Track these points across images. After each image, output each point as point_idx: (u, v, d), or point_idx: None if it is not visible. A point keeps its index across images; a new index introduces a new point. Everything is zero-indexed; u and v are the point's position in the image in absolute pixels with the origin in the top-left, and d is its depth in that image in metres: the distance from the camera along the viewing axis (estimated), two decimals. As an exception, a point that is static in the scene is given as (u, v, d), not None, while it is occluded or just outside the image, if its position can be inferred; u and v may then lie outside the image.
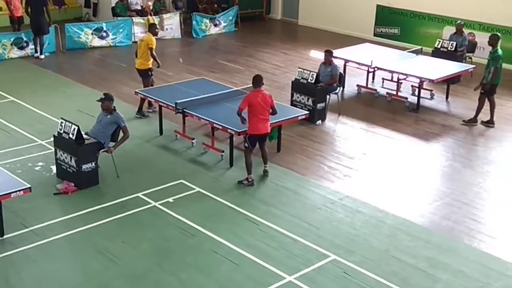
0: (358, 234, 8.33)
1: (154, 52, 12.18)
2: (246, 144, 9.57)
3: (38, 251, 7.72)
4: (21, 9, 16.88)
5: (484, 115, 12.30)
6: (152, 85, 12.30)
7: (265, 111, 9.43)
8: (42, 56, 16.13)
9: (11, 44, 15.98)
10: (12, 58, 15.95)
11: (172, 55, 17.33)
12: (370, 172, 10.28)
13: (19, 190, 7.91)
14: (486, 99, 12.14)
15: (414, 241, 8.20)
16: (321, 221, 8.64)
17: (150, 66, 12.29)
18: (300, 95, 12.22)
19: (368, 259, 7.76)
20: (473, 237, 8.35)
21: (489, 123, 12.21)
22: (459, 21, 15.34)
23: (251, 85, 9.63)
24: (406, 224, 8.61)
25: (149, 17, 18.24)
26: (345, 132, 11.94)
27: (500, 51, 11.91)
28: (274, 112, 9.60)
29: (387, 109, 13.18)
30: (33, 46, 16.20)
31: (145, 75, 12.31)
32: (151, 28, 12.70)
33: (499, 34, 12.59)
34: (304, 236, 8.20)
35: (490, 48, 12.17)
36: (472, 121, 12.24)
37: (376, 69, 13.85)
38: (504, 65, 15.47)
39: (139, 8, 18.88)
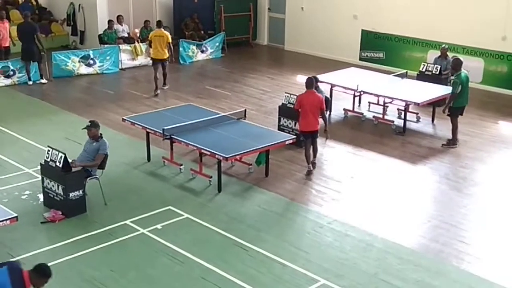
0: (347, 258, 8.33)
1: (171, 45, 15.68)
2: (301, 138, 11.17)
3: (25, 281, 7.63)
4: (9, 39, 16.89)
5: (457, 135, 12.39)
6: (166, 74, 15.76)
7: (316, 110, 10.72)
8: (30, 82, 16.20)
9: (-2, 72, 15.97)
10: (-1, 86, 15.95)
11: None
12: (358, 195, 10.31)
13: (6, 220, 7.86)
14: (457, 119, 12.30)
15: (403, 264, 8.20)
16: (310, 245, 8.63)
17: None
18: (287, 120, 12.28)
19: (357, 283, 7.75)
20: (462, 259, 8.37)
21: (451, 144, 12.33)
22: (443, 45, 15.54)
23: (238, 110, 9.71)
24: (395, 247, 8.63)
25: (136, 44, 18.33)
26: (333, 156, 11.99)
27: (462, 75, 12.06)
28: (322, 114, 10.98)
29: (373, 132, 13.26)
30: (20, 75, 16.21)
31: (166, 64, 15.63)
32: (161, 24, 15.97)
33: (461, 58, 12.71)
34: (293, 260, 8.19)
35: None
36: (451, 143, 12.33)
37: (362, 93, 13.96)
38: (489, 88, 15.85)
39: (126, 35, 18.97)
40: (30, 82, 16.22)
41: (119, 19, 18.93)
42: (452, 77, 12.28)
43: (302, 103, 10.80)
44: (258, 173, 10.90)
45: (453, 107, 12.18)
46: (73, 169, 9.23)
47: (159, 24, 16.07)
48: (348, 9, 19.14)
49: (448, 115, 12.32)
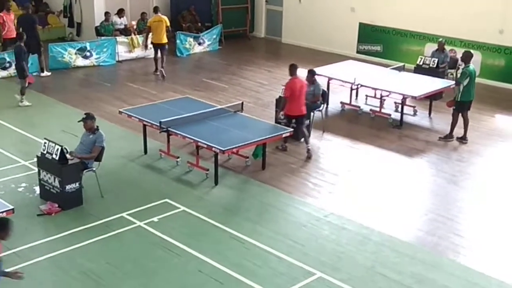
0: (344, 251, 8.34)
1: (170, 29, 16.77)
2: (284, 120, 11.34)
3: (21, 273, 7.63)
4: (14, 30, 16.85)
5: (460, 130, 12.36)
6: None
7: (304, 95, 11.21)
8: (43, 74, 16.30)
9: (-6, 65, 15.92)
10: (-5, 79, 15.91)
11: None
12: (355, 188, 10.32)
13: (2, 212, 7.80)
14: (460, 115, 12.22)
15: (399, 257, 8.22)
16: (306, 238, 8.64)
17: None
18: (284, 113, 12.26)
19: (354, 276, 7.76)
20: (458, 252, 8.39)
21: (463, 140, 12.28)
22: (440, 39, 15.53)
23: (235, 102, 9.70)
24: (391, 240, 8.64)
25: (133, 36, 18.26)
26: (330, 149, 11.99)
27: (470, 68, 12.01)
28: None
29: (370, 125, 13.26)
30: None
31: (165, 48, 16.48)
32: (158, 9, 16.78)
33: (471, 51, 12.65)
34: (289, 253, 8.19)
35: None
36: (448, 137, 12.32)
37: (359, 86, 13.95)
38: (486, 81, 15.82)
39: (123, 27, 18.90)
40: (43, 74, 16.26)
41: (121, 12, 18.85)
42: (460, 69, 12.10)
43: (294, 90, 11.06)
44: (255, 166, 10.89)
45: (460, 101, 12.05)
46: (70, 161, 9.20)
47: (156, 10, 16.79)
48: (345, 2, 19.11)
49: (453, 109, 12.18)
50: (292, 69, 11.34)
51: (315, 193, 10.06)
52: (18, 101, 13.87)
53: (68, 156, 9.23)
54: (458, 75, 12.03)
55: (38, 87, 15.44)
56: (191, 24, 20.20)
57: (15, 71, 14.61)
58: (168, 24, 16.61)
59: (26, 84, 13.93)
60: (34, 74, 15.89)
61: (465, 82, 11.90)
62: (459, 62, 14.23)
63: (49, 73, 16.39)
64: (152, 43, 16.78)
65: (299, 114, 11.27)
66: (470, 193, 10.25)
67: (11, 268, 7.61)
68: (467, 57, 12.14)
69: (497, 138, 12.68)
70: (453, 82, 14.19)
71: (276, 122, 12.16)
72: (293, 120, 11.30)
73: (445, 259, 8.25)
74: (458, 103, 12.10)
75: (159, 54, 16.59)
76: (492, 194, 10.24)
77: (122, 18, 18.91)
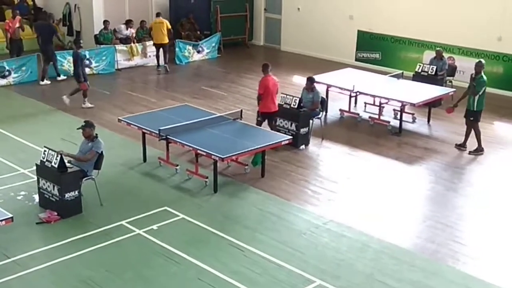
0: (343, 259, 8.33)
1: (171, 31, 17.98)
2: (259, 119, 11.92)
3: (20, 282, 7.62)
4: (17, 32, 17.09)
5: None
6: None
7: (276, 92, 11.70)
8: (59, 78, 16.74)
9: (-7, 73, 15.96)
10: (-6, 87, 15.92)
11: (155, 81, 17.39)
12: (354, 196, 10.32)
13: (1, 220, 7.84)
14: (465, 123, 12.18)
15: (399, 265, 8.21)
16: (306, 246, 8.63)
17: None
18: (284, 120, 12.29)
19: (353, 284, 7.75)
20: (457, 260, 8.38)
21: (461, 147, 12.23)
22: (438, 48, 15.59)
23: (234, 110, 9.72)
24: (391, 247, 8.63)
25: (132, 44, 18.30)
26: (329, 157, 12.00)
27: (484, 77, 12.01)
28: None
29: (369, 133, 13.27)
30: (15, 75, 16.22)
31: (166, 48, 17.67)
32: (160, 14, 18.10)
33: (483, 60, 12.61)
34: (289, 261, 8.18)
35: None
36: (478, 150, 12.09)
37: (358, 93, 13.97)
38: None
39: (124, 36, 18.90)
40: (59, 78, 16.72)
41: (129, 23, 18.87)
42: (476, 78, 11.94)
43: (268, 87, 11.53)
44: (254, 173, 10.89)
45: (476, 111, 11.97)
46: (70, 169, 9.20)
47: (158, 14, 18.16)
48: (344, 10, 19.17)
49: (471, 120, 12.05)
50: (264, 68, 11.77)
51: (315, 200, 10.06)
52: (81, 103, 14.41)
53: (66, 163, 9.22)
54: (474, 85, 11.90)
55: (37, 95, 15.47)
56: (190, 32, 20.25)
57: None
58: (170, 26, 17.74)
59: (84, 89, 14.36)
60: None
61: (481, 91, 11.91)
62: (456, 69, 14.25)
63: (65, 77, 16.79)
64: (154, 44, 17.86)
65: (273, 111, 11.79)
66: (470, 200, 10.25)
67: (10, 277, 7.63)
68: (480, 67, 12.03)
69: (497, 145, 12.68)
70: (452, 89, 14.25)
71: (275, 129, 12.20)
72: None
73: (445, 266, 8.24)
74: (473, 113, 11.99)
75: (160, 53, 17.78)
76: (492, 201, 10.23)
77: (129, 29, 18.90)
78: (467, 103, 12.08)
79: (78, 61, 14.30)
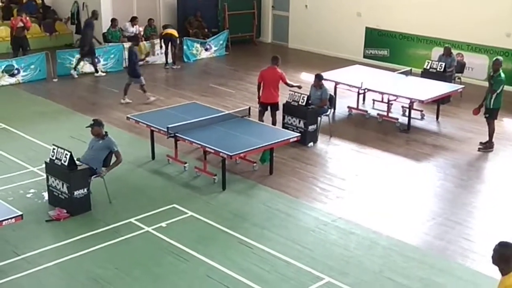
0: (352, 256, 8.32)
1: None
2: (259, 108, 12.22)
3: (30, 279, 7.66)
4: (19, 30, 17.09)
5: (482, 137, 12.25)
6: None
7: (275, 84, 11.99)
8: (97, 74, 17.07)
9: (2, 72, 15.99)
10: (3, 86, 15.96)
11: (164, 79, 17.42)
12: (363, 193, 10.30)
13: (11, 218, 7.86)
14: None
15: (407, 262, 8.19)
16: (314, 243, 8.63)
17: None
18: (292, 118, 12.28)
19: (362, 281, 7.74)
20: (466, 257, 8.36)
21: (488, 148, 12.17)
22: (447, 45, 15.53)
23: (242, 107, 9.74)
24: (400, 244, 8.62)
25: (140, 43, 18.29)
26: (337, 154, 11.98)
27: (502, 75, 11.92)
28: (288, 85, 12.33)
29: (378, 130, 13.25)
30: (24, 73, 16.29)
31: (176, 40, 18.07)
32: (170, 26, 18.60)
33: (500, 58, 12.50)
34: (297, 258, 8.18)
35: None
36: (488, 147, 12.05)
37: (366, 90, 13.94)
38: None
39: (132, 34, 18.92)
40: (97, 74, 17.13)
41: (134, 20, 18.88)
42: (495, 76, 11.85)
43: (264, 77, 12.02)
44: (263, 171, 10.90)
45: (493, 108, 11.93)
46: (79, 167, 9.25)
47: (166, 26, 18.56)
48: (352, 7, 19.13)
49: (486, 117, 12.02)
50: (271, 59, 12.25)
51: (323, 197, 10.05)
52: (146, 98, 14.75)
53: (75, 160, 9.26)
54: (493, 83, 11.83)
55: (45, 93, 15.54)
56: (198, 30, 20.25)
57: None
58: (177, 35, 18.15)
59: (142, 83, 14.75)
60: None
61: (500, 89, 11.85)
62: (465, 66, 14.18)
63: (103, 74, 17.18)
64: (162, 37, 18.24)
65: (270, 102, 12.08)
66: (479, 197, 10.22)
67: (20, 274, 7.67)
68: (498, 65, 11.96)
69: (506, 142, 12.63)
70: (461, 86, 14.20)
71: (283, 127, 12.19)
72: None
73: (454, 263, 8.22)
74: (491, 110, 11.95)
75: (168, 50, 18.12)
76: (501, 198, 10.19)
77: (135, 26, 18.93)
78: (485, 100, 12.03)
79: (133, 57, 14.63)
